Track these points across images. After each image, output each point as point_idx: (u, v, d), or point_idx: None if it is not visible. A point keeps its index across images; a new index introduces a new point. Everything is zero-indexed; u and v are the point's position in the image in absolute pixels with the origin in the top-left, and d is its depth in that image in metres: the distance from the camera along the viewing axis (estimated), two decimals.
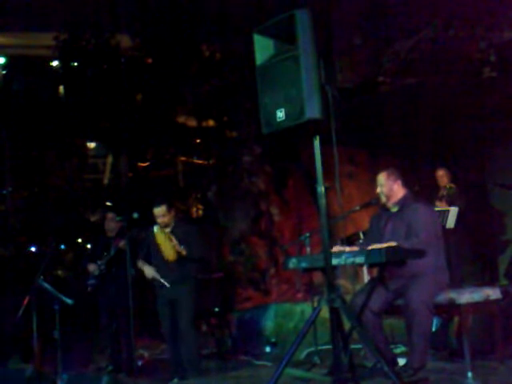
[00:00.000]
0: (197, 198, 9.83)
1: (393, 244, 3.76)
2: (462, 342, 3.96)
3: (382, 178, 4.30)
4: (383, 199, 4.30)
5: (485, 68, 5.91)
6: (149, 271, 5.27)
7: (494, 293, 4.11)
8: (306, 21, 3.23)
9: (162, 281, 5.17)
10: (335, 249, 3.99)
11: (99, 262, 5.82)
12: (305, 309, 6.24)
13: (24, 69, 9.08)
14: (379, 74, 6.37)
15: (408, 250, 3.79)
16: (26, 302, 5.27)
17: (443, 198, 6.47)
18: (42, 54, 9.13)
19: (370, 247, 3.78)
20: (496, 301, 4.13)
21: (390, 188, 4.26)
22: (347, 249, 4.03)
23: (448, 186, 6.52)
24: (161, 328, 5.37)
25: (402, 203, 4.27)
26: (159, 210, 5.29)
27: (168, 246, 5.18)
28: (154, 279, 5.24)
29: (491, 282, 6.71)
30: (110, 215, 6.12)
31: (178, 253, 5.16)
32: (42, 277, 5.34)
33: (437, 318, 4.64)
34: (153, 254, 5.33)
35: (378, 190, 4.32)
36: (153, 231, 5.28)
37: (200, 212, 9.83)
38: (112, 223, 6.04)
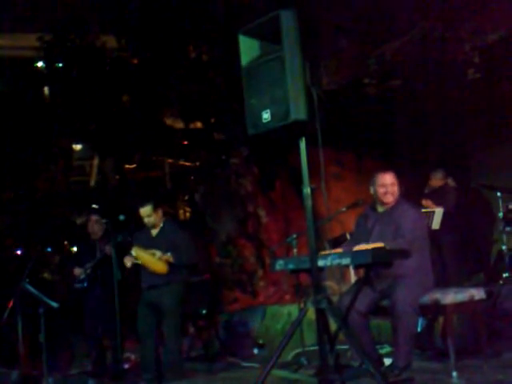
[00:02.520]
0: (184, 200, 9.80)
1: (380, 245, 3.78)
2: (446, 342, 3.99)
3: (391, 177, 4.24)
4: (390, 199, 4.23)
5: (469, 70, 5.97)
6: (128, 259, 5.18)
7: (478, 293, 4.14)
8: (291, 21, 3.22)
9: (154, 251, 5.08)
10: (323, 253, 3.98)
11: (86, 266, 5.77)
12: (292, 310, 6.25)
13: (9, 70, 9.00)
14: (365, 75, 6.41)
15: (394, 251, 3.80)
16: (10, 305, 5.23)
17: (433, 195, 6.55)
18: (26, 55, 9.05)
19: (356, 247, 3.80)
20: (480, 301, 4.16)
21: (397, 188, 4.26)
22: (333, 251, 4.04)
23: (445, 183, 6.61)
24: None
25: (393, 205, 4.28)
26: (144, 210, 5.23)
27: (154, 262, 5.10)
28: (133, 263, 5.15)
29: (478, 282, 6.77)
30: (93, 218, 6.05)
31: (167, 261, 5.10)
32: (27, 280, 5.30)
33: (422, 318, 4.67)
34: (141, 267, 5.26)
35: (390, 189, 4.21)
36: (133, 255, 5.15)
37: (188, 214, 9.81)
38: (96, 226, 5.99)
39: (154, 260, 5.10)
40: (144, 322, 5.17)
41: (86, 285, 5.77)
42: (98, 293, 5.76)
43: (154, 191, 9.47)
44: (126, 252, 5.30)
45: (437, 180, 6.71)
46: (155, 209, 5.24)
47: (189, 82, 7.56)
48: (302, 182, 3.44)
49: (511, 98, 6.26)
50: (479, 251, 7.45)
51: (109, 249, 5.44)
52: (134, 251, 5.13)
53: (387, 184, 4.24)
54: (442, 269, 6.18)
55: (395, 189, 4.24)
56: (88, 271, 5.75)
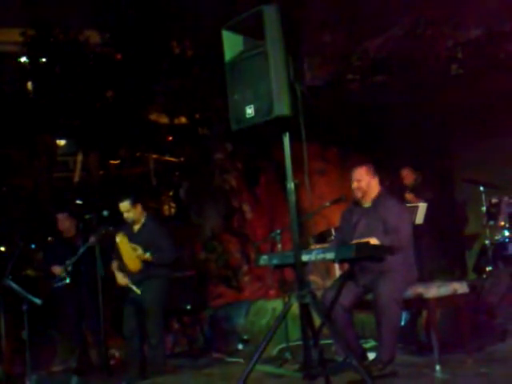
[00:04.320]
0: (169, 195, 9.77)
1: (374, 240, 3.84)
2: (430, 336, 4.03)
3: (360, 172, 4.27)
4: (359, 194, 4.28)
5: (452, 65, 6.01)
6: (121, 279, 5.17)
7: (461, 287, 4.18)
8: (274, 17, 3.21)
9: (134, 288, 5.09)
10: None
11: (67, 263, 5.71)
12: (277, 306, 6.25)
13: None
14: (348, 71, 6.42)
15: (378, 246, 3.84)
16: None
17: (412, 189, 6.62)
18: (9, 49, 8.97)
19: (353, 242, 3.84)
20: (463, 295, 4.20)
21: (368, 183, 4.26)
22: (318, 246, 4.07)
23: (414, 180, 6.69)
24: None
25: (377, 200, 4.30)
26: (123, 205, 5.20)
27: (132, 257, 5.07)
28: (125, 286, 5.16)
29: (460, 276, 6.83)
30: (61, 216, 5.98)
31: (144, 260, 5.07)
32: (10, 276, 5.25)
33: (405, 312, 4.70)
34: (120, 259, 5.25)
35: (355, 184, 4.27)
36: (115, 240, 5.13)
37: (172, 210, 9.78)
38: (66, 223, 5.93)
39: (132, 255, 5.07)
40: (129, 320, 5.16)
41: (68, 281, 5.71)
42: (81, 289, 5.72)
43: (139, 187, 9.42)
44: (111, 245, 5.28)
45: (406, 177, 6.79)
46: (134, 204, 5.21)
47: (173, 78, 7.52)
48: (286, 177, 3.44)
49: (495, 93, 6.32)
50: (462, 245, 7.52)
51: (93, 240, 5.40)
52: (119, 237, 5.10)
53: (354, 179, 4.28)
54: (424, 264, 6.23)
55: (363, 184, 4.26)
56: (69, 268, 5.69)
